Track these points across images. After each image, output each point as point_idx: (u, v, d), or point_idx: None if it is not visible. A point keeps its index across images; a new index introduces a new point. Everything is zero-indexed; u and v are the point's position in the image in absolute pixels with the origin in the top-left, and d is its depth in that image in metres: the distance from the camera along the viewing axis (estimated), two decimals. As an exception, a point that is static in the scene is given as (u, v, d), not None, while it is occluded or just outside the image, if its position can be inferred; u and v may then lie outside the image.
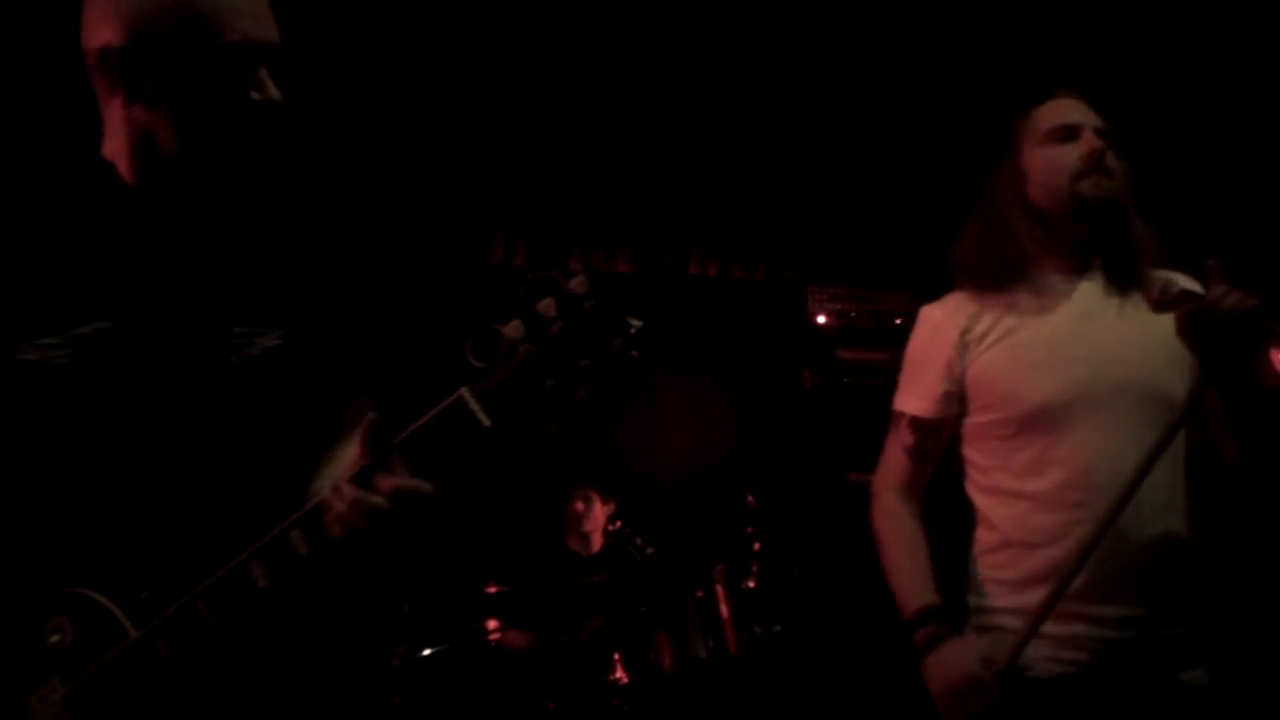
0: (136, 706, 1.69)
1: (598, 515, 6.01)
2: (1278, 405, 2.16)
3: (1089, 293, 2.43)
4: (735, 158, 6.32)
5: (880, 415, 2.67)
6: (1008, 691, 2.23)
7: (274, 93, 1.79)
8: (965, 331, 2.47)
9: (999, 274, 2.45)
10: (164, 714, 1.70)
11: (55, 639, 1.72)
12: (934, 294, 2.65)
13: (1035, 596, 2.23)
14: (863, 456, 5.91)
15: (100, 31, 1.75)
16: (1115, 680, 2.24)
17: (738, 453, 6.75)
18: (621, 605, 5.28)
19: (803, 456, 6.45)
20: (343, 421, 1.83)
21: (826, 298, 6.56)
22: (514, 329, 1.55)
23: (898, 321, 6.43)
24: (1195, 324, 2.06)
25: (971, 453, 2.50)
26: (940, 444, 2.54)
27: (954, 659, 2.32)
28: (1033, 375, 2.36)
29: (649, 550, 5.56)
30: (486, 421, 1.57)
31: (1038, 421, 2.34)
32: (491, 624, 5.24)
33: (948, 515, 2.56)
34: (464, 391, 1.57)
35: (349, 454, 1.66)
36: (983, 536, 2.45)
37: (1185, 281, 2.24)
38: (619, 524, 5.79)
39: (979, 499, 2.47)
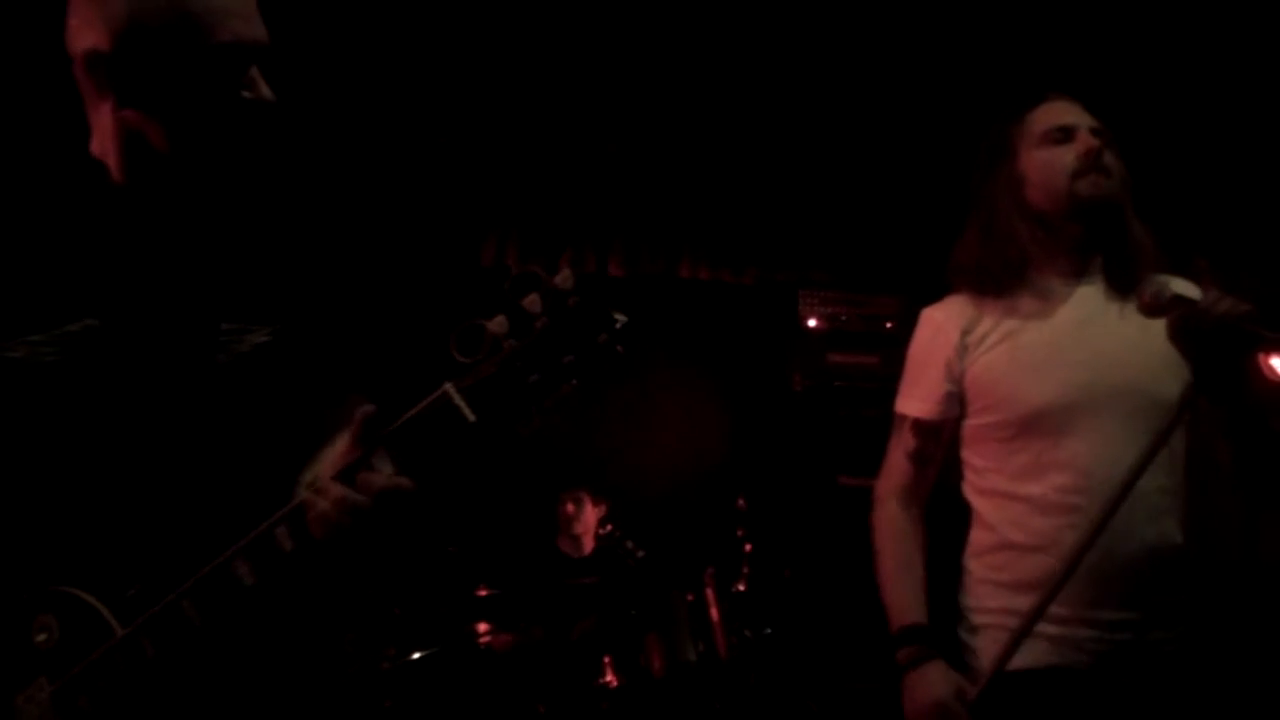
0: (123, 705, 1.69)
1: (589, 517, 6.02)
2: (1269, 411, 2.15)
3: (1089, 296, 2.43)
4: (726, 162, 6.34)
5: (870, 419, 2.69)
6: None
7: (265, 92, 1.79)
8: (965, 333, 2.47)
9: (999, 277, 2.45)
10: (150, 713, 1.70)
11: (42, 637, 1.72)
12: (924, 298, 2.66)
13: (1029, 600, 2.23)
14: (853, 459, 6.00)
15: (87, 35, 1.74)
16: (1107, 681, 2.25)
17: (728, 456, 6.76)
18: (612, 608, 5.27)
19: (793, 460, 6.45)
20: (331, 418, 1.83)
21: (817, 301, 6.56)
22: (499, 324, 1.55)
23: (888, 325, 6.44)
24: (1186, 329, 2.06)
25: (969, 455, 2.50)
26: (942, 446, 2.54)
27: (929, 683, 2.34)
28: (1031, 378, 2.37)
29: (639, 553, 5.56)
30: (471, 417, 1.57)
31: (1036, 424, 2.35)
32: (482, 627, 5.24)
33: (947, 516, 2.57)
34: (448, 387, 1.57)
35: (336, 450, 1.66)
36: (979, 538, 2.46)
37: (1181, 286, 2.23)
38: (610, 527, 5.79)
39: (976, 500, 2.47)
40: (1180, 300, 2.05)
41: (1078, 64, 4.96)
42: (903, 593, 2.47)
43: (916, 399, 2.55)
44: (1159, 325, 2.18)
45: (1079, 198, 2.39)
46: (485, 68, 5.60)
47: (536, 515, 6.14)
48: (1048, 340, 2.39)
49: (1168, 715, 2.27)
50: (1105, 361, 2.34)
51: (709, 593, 5.24)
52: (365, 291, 1.97)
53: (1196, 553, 2.34)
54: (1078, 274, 2.45)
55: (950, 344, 2.49)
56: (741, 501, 5.57)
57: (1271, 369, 2.05)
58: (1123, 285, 2.40)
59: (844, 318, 6.53)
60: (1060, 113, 2.51)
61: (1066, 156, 2.42)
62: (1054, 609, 2.20)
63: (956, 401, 2.49)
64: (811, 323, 6.50)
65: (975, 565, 2.45)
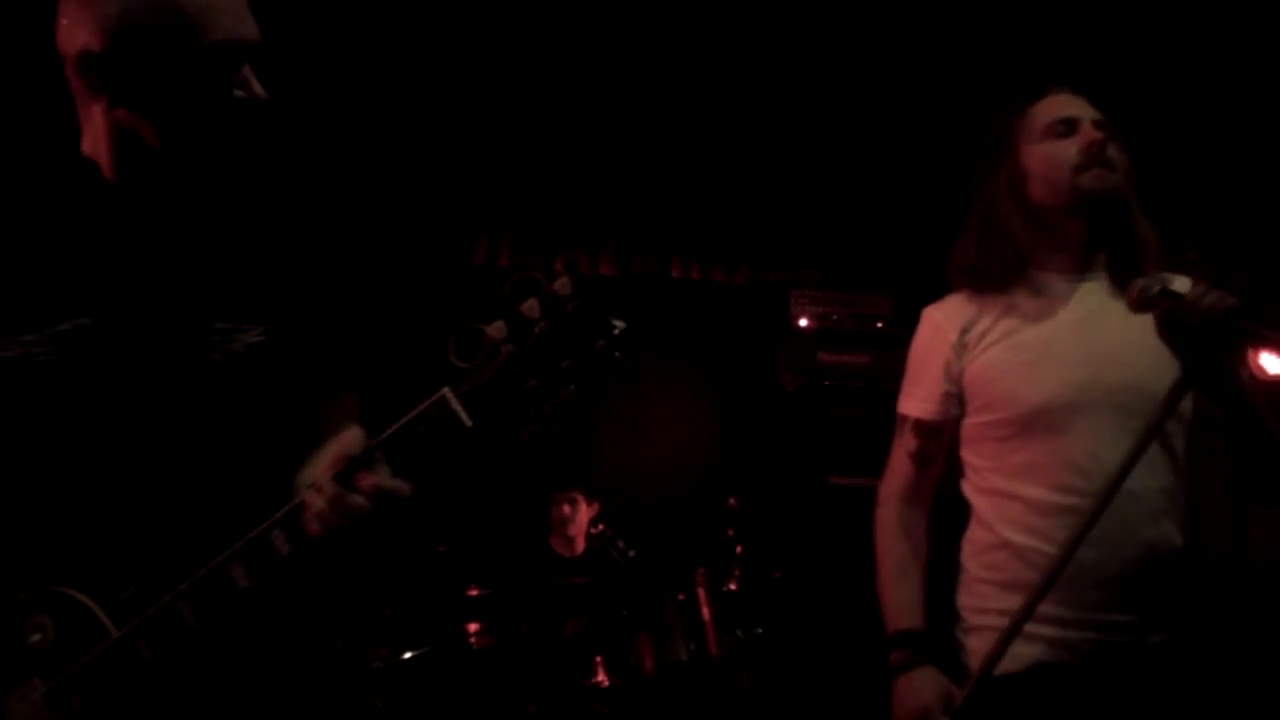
0: (116, 706, 1.69)
1: (583, 517, 6.02)
2: (1257, 405, 2.14)
3: (1091, 294, 2.39)
4: (718, 161, 6.34)
5: (862, 418, 2.67)
6: None
7: (258, 90, 1.78)
8: (964, 332, 2.44)
9: (997, 275, 2.42)
10: (144, 714, 1.70)
11: (36, 638, 1.72)
12: (916, 297, 2.63)
13: (1024, 600, 2.19)
14: (844, 459, 6.00)
15: (79, 35, 1.74)
16: (1103, 687, 2.22)
17: (719, 455, 6.76)
18: (604, 607, 5.28)
19: (784, 459, 6.44)
20: (327, 418, 1.83)
21: (808, 301, 6.54)
22: (497, 329, 1.55)
23: (879, 325, 6.43)
24: (1173, 324, 2.01)
25: (968, 454, 2.47)
26: (944, 447, 2.51)
27: (916, 689, 2.34)
28: (1030, 377, 2.33)
29: (631, 553, 5.56)
30: (468, 421, 1.57)
31: (1034, 423, 2.31)
32: (473, 627, 5.23)
33: (949, 514, 2.55)
34: (446, 391, 1.58)
35: (333, 451, 1.66)
36: (977, 536, 2.42)
37: (1181, 282, 2.15)
38: (601, 527, 5.79)
39: (975, 499, 2.44)
40: (1168, 295, 2.02)
41: (1071, 61, 4.97)
42: (899, 596, 2.45)
43: (917, 399, 2.52)
44: None
45: (1082, 192, 2.34)
46: (477, 68, 5.60)
47: (528, 514, 6.14)
48: (1047, 339, 2.35)
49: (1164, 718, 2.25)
50: (1105, 360, 2.30)
51: (700, 592, 5.24)
52: (358, 291, 1.97)
53: (1194, 554, 2.32)
54: (1079, 271, 2.41)
55: (949, 343, 2.45)
56: (733, 501, 5.56)
57: (1258, 363, 2.03)
58: (1127, 282, 2.31)
59: (835, 317, 6.52)
60: (1063, 105, 2.46)
61: (1069, 150, 2.37)
62: (1052, 610, 2.17)
63: (956, 401, 2.46)
64: (802, 322, 6.50)
65: (973, 564, 2.42)
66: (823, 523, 5.95)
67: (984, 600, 2.37)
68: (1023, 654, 2.22)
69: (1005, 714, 2.24)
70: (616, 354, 1.55)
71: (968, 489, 2.47)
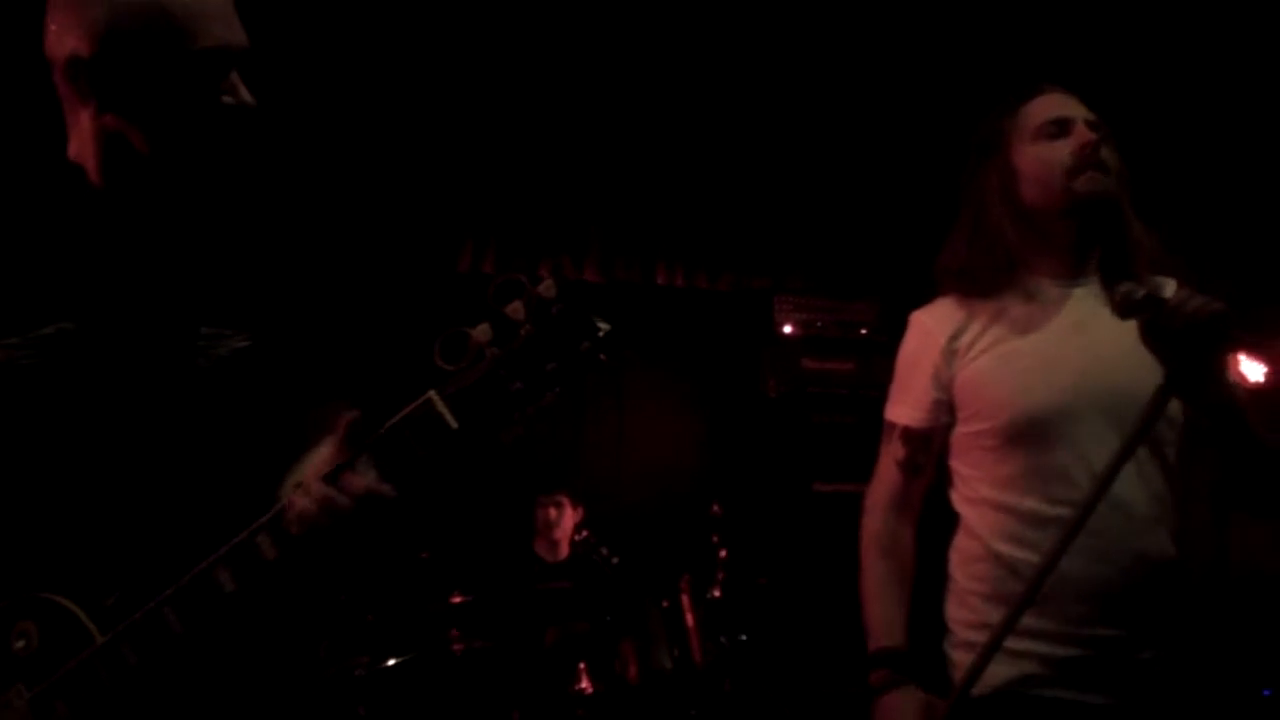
0: (102, 712, 1.68)
1: (568, 521, 6.02)
2: (1243, 412, 2.09)
3: (1083, 299, 2.33)
4: (702, 168, 6.35)
5: (846, 425, 2.61)
6: None
7: (246, 96, 1.79)
8: (954, 338, 2.37)
9: (987, 279, 2.36)
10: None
11: (20, 644, 1.71)
12: (900, 304, 2.57)
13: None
14: (828, 466, 6.01)
15: (67, 40, 1.74)
16: (1091, 703, 2.16)
17: (703, 462, 6.77)
18: (587, 614, 5.28)
19: (768, 466, 6.45)
20: (313, 424, 1.83)
21: (792, 307, 6.56)
22: (482, 332, 1.56)
23: (863, 332, 6.45)
24: (1156, 330, 1.95)
25: (957, 463, 2.40)
26: (933, 456, 2.43)
27: (897, 710, 2.28)
28: (1021, 385, 2.27)
29: (614, 560, 5.57)
30: (454, 423, 1.57)
31: (1026, 433, 2.25)
32: (456, 634, 5.23)
33: (937, 522, 2.48)
34: (432, 394, 1.58)
35: (320, 455, 1.67)
36: (966, 546, 2.36)
37: (1168, 289, 2.13)
38: (585, 533, 5.79)
39: (964, 509, 2.37)
40: (1153, 300, 1.97)
41: (1055, 68, 4.98)
42: (882, 612, 2.38)
43: (905, 406, 2.44)
44: None
45: (1075, 195, 2.28)
46: (462, 74, 5.60)
47: (512, 519, 6.14)
48: (1038, 346, 2.28)
49: None
50: (1099, 368, 2.24)
51: (684, 599, 5.24)
52: (344, 296, 1.97)
53: (1188, 564, 2.25)
54: (1071, 275, 2.34)
55: (938, 349, 2.38)
56: (716, 508, 5.56)
57: (1240, 369, 2.00)
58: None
59: (819, 324, 6.53)
60: (1055, 105, 2.39)
61: (1062, 151, 2.31)
62: (1039, 625, 2.13)
63: (945, 409, 2.38)
64: (787, 329, 6.51)
65: (960, 575, 2.35)
66: (807, 530, 5.96)
67: (973, 613, 2.30)
68: (1008, 672, 2.17)
69: None
70: (601, 356, 1.56)
71: (956, 499, 2.41)
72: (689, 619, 5.23)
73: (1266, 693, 4.24)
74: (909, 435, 2.44)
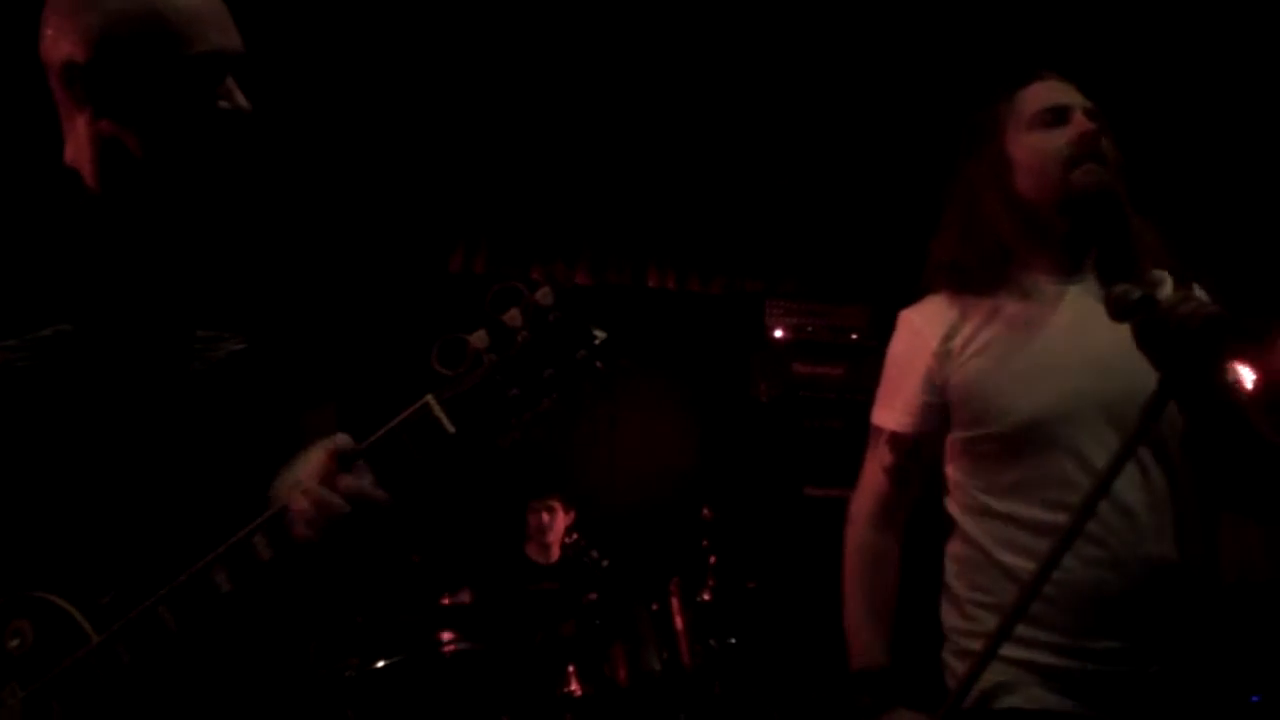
0: (96, 711, 1.68)
1: (560, 525, 6.03)
2: (1243, 415, 1.98)
3: (1080, 296, 2.23)
4: (695, 171, 6.36)
5: (836, 429, 2.53)
6: None
7: (241, 101, 1.79)
8: (947, 339, 2.26)
9: (980, 276, 2.25)
10: (123, 719, 1.70)
11: (15, 643, 1.71)
12: (891, 309, 2.45)
13: (1019, 625, 2.01)
14: (818, 470, 6.02)
15: (63, 45, 1.74)
16: (1095, 717, 2.07)
17: (694, 465, 6.78)
18: (578, 616, 5.28)
19: (758, 470, 6.47)
20: (308, 426, 1.83)
21: (783, 311, 6.59)
22: (480, 338, 1.57)
23: (854, 336, 6.48)
24: (1149, 335, 1.85)
25: (953, 470, 2.29)
26: (922, 462, 2.33)
27: None
28: (1019, 388, 2.17)
29: (604, 562, 5.58)
30: (451, 428, 1.58)
31: (1025, 438, 2.15)
32: (446, 636, 5.23)
33: (925, 525, 2.39)
34: (429, 399, 1.59)
35: (316, 457, 1.67)
36: (963, 555, 2.25)
37: (1163, 290, 2.00)
38: (575, 536, 5.80)
39: (960, 517, 2.27)
40: (1147, 302, 1.88)
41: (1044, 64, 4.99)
42: (864, 628, 2.28)
43: (894, 410, 2.33)
44: None
45: (1072, 189, 2.18)
46: (455, 77, 5.61)
47: (503, 522, 6.15)
48: (1036, 347, 2.19)
49: None
50: (1099, 369, 2.13)
51: (674, 602, 5.25)
52: (338, 298, 1.97)
53: (1194, 573, 2.16)
54: (1068, 272, 2.24)
55: (930, 351, 2.27)
56: (707, 511, 5.58)
57: (1237, 375, 1.93)
58: (1120, 282, 2.12)
59: (810, 328, 6.56)
60: (1053, 92, 2.29)
61: (1059, 140, 2.21)
62: (1044, 636, 2.07)
63: (937, 414, 2.27)
64: (778, 333, 6.53)
65: (959, 585, 2.25)
66: (796, 533, 5.99)
67: (974, 623, 2.20)
68: (1006, 683, 2.09)
69: None
70: (597, 363, 1.57)
71: (952, 507, 2.30)
72: (678, 622, 5.24)
73: (1255, 699, 4.26)
74: (897, 441, 2.33)
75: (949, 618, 2.28)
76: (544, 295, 1.57)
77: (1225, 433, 2.06)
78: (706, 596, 5.34)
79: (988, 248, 2.26)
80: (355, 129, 5.69)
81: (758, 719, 5.54)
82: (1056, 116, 2.25)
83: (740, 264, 6.96)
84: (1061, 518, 2.07)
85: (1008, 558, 2.16)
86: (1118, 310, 1.91)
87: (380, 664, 4.94)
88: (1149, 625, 2.09)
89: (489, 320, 1.57)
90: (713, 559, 5.47)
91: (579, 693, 5.11)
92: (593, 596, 5.36)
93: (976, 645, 2.12)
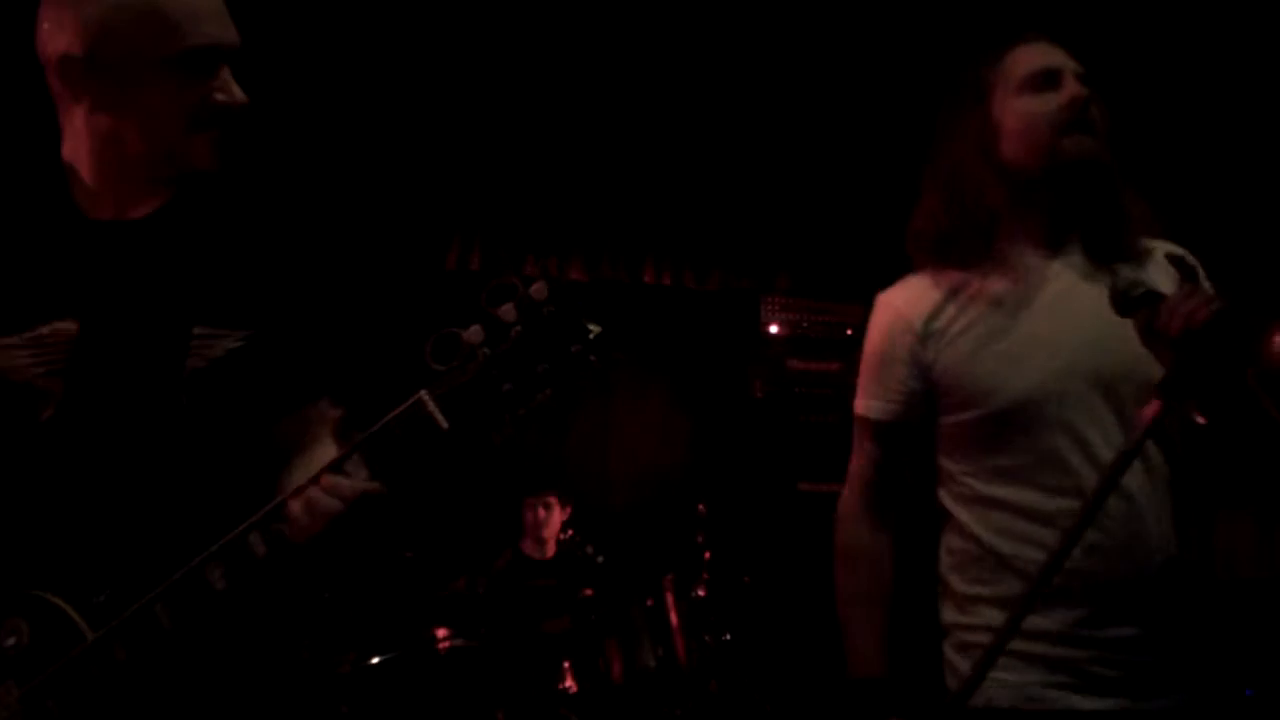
0: (92, 709, 1.69)
1: (556, 520, 6.03)
2: (1265, 414, 1.88)
3: (1068, 270, 2.14)
4: (690, 167, 6.36)
5: (831, 425, 2.43)
6: None
7: (238, 94, 1.79)
8: (930, 320, 2.16)
9: (966, 247, 2.15)
10: (119, 717, 1.70)
11: (11, 641, 1.71)
12: None
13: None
14: (813, 466, 6.02)
15: (60, 38, 1.74)
16: (1105, 708, 2.01)
17: (689, 461, 6.78)
18: (573, 611, 5.29)
19: (753, 466, 6.48)
20: (305, 423, 1.83)
21: (778, 308, 6.60)
22: (474, 333, 1.57)
23: (849, 332, 6.48)
24: (1153, 334, 1.77)
25: (944, 458, 2.20)
26: (910, 451, 2.24)
27: None
28: (1009, 368, 2.08)
29: (599, 559, 5.58)
30: (445, 424, 1.59)
31: (1018, 419, 2.06)
32: (441, 632, 5.23)
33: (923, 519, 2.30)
34: (423, 394, 1.59)
35: (312, 455, 1.67)
36: (959, 548, 2.16)
37: (1167, 284, 1.92)
38: (570, 532, 5.80)
39: (954, 508, 2.18)
40: (1152, 296, 1.79)
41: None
42: (860, 636, 2.20)
43: (878, 399, 2.23)
44: None
45: (1063, 156, 2.09)
46: (450, 72, 5.61)
47: (500, 517, 6.15)
48: (1023, 324, 2.10)
49: None
50: (1088, 345, 2.05)
51: (669, 598, 5.25)
52: (336, 296, 1.97)
53: (1192, 560, 2.10)
54: (1053, 243, 2.15)
55: (913, 334, 2.17)
56: (702, 507, 5.58)
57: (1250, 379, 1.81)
58: (1107, 257, 2.12)
59: (805, 324, 6.57)
60: (1043, 55, 2.18)
61: (1050, 104, 2.11)
62: (1045, 624, 1.99)
63: (923, 399, 2.18)
64: (773, 329, 6.54)
65: (956, 579, 2.16)
66: (791, 529, 5.99)
67: (977, 618, 2.12)
68: (1012, 680, 2.02)
69: None
70: (592, 358, 1.57)
71: (945, 497, 2.21)
72: (673, 618, 5.24)
73: (1250, 692, 4.28)
74: (883, 430, 2.24)
75: (947, 613, 2.19)
76: (538, 290, 1.57)
77: (1247, 436, 1.95)
78: (701, 592, 5.34)
79: (977, 214, 2.16)
80: (350, 125, 5.69)
81: (753, 715, 5.55)
82: (1047, 80, 2.15)
83: (736, 260, 6.95)
84: (1059, 502, 2.03)
85: (1005, 546, 2.08)
86: (1123, 306, 1.84)
87: (375, 660, 4.94)
88: (1153, 613, 2.02)
89: (483, 315, 1.57)
90: (707, 555, 5.47)
91: (574, 689, 5.11)
92: (588, 592, 5.36)
93: (977, 638, 2.09)
